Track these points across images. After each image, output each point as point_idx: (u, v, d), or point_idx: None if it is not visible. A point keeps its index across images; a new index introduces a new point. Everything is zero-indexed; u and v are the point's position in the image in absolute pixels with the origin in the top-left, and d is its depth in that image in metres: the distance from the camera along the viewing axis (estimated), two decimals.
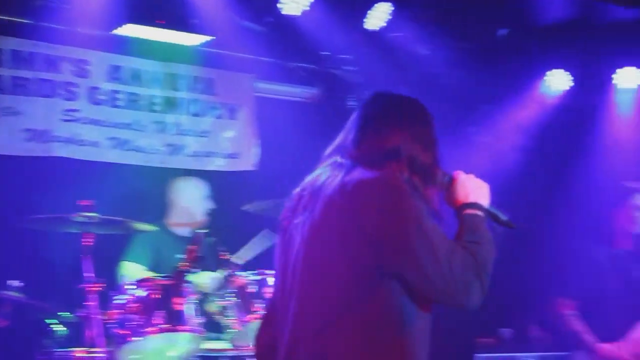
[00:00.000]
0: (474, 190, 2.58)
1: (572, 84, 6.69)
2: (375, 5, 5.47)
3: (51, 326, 4.52)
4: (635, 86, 6.60)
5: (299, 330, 2.42)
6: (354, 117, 2.62)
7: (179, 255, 5.11)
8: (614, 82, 6.60)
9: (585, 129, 6.63)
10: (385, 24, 5.61)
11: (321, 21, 5.43)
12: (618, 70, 6.54)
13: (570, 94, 6.72)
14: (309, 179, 2.64)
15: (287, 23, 5.46)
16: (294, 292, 2.45)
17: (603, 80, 6.64)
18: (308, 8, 5.28)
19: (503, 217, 2.64)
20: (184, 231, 5.40)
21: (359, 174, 2.41)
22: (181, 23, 5.60)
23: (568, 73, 6.66)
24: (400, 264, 2.34)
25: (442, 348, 6.29)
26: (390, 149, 2.51)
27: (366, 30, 5.69)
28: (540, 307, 6.25)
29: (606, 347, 5.07)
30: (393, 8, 5.47)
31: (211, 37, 5.79)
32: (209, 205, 5.49)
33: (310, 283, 2.42)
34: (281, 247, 2.58)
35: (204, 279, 4.83)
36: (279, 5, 5.32)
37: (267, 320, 2.69)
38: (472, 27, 6.05)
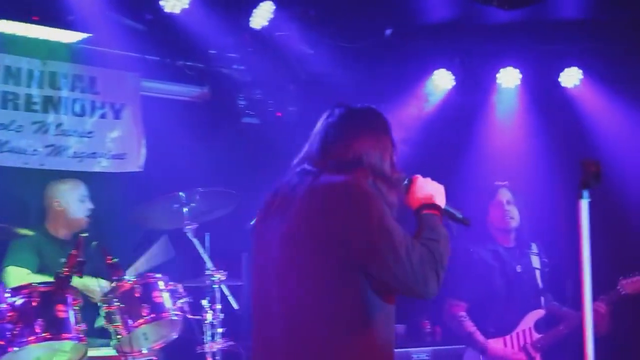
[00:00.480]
0: (431, 192, 2.86)
1: (454, 83, 6.75)
2: (260, 4, 5.39)
3: None
4: (514, 86, 6.71)
5: (284, 328, 2.65)
6: (317, 128, 2.87)
7: (62, 260, 4.97)
8: (497, 81, 6.69)
9: (467, 128, 6.74)
10: (268, 23, 5.52)
11: (205, 19, 5.32)
12: (501, 70, 6.64)
13: (453, 93, 6.80)
14: (279, 184, 2.87)
15: (169, 21, 5.29)
16: (273, 292, 2.69)
17: (484, 80, 6.74)
18: (187, 6, 5.14)
19: (459, 215, 2.94)
20: (66, 235, 5.22)
21: (326, 179, 2.67)
22: (57, 19, 5.38)
23: (450, 72, 6.73)
24: (365, 260, 2.58)
25: None
26: (354, 156, 2.75)
27: (252, 29, 5.59)
28: (431, 304, 6.35)
29: (494, 345, 5.18)
30: (274, 7, 5.39)
31: (88, 35, 5.58)
32: (88, 207, 5.32)
33: (287, 282, 2.66)
34: (256, 249, 2.83)
35: (91, 285, 4.68)
36: (160, 3, 5.14)
37: (255, 321, 2.81)
38: (357, 26, 6.05)
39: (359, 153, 2.76)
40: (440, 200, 2.87)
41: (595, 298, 4.97)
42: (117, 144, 6.12)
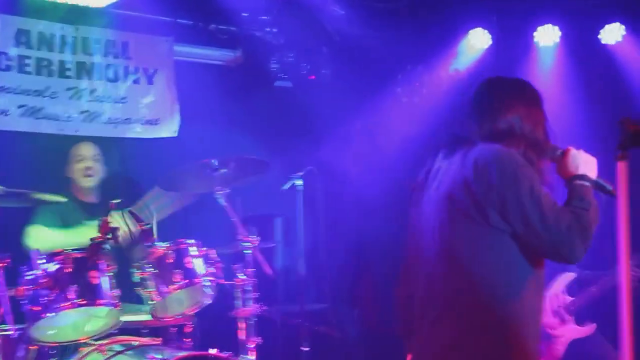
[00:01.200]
0: (583, 163, 2.98)
1: (490, 42, 6.63)
2: None
3: None
4: (553, 44, 6.56)
5: (434, 286, 2.97)
6: (468, 102, 3.05)
7: (87, 222, 5.00)
8: (535, 40, 6.55)
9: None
10: None
11: None
12: (539, 28, 6.50)
13: (489, 53, 6.66)
14: (437, 158, 3.08)
15: None
16: (427, 252, 2.99)
17: (521, 39, 6.61)
18: None
19: (608, 187, 2.98)
20: (91, 198, 5.23)
21: (480, 147, 2.90)
22: None
23: (487, 31, 6.60)
24: (516, 222, 2.80)
25: (373, 313, 6.32)
26: (506, 126, 2.94)
27: None
28: None
29: None
30: None
31: None
32: (103, 170, 5.28)
33: (441, 243, 2.94)
34: (415, 217, 3.12)
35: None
36: None
37: (404, 275, 3.23)
38: None
39: (511, 123, 2.95)
40: (591, 172, 2.98)
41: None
42: (150, 109, 6.11)
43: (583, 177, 2.98)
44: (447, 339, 2.92)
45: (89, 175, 5.19)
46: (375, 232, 6.46)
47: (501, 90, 3.08)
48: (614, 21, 6.46)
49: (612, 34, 6.49)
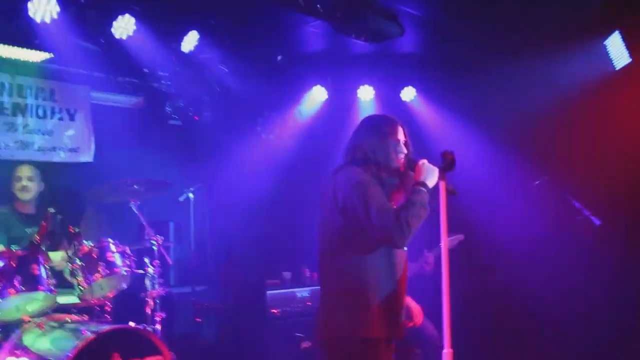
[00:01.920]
0: (425, 172, 3.03)
1: (326, 96, 6.83)
2: (188, 32, 5.28)
3: None
4: (369, 99, 6.86)
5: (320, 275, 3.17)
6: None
7: (28, 230, 4.78)
8: (358, 95, 6.81)
9: (342, 128, 6.78)
10: (193, 48, 5.40)
11: (144, 44, 5.14)
12: (360, 87, 6.78)
13: (326, 104, 6.87)
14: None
15: (117, 44, 5.09)
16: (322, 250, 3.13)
17: (348, 94, 6.85)
18: (132, 34, 4.98)
19: (449, 188, 3.04)
20: (29, 210, 4.96)
21: (344, 171, 3.08)
22: (26, 41, 5.10)
23: (324, 88, 6.79)
24: (351, 221, 2.95)
25: (241, 291, 6.36)
26: (362, 156, 3.07)
27: (180, 52, 5.46)
28: (308, 255, 6.47)
29: None
30: (199, 36, 5.30)
31: (50, 55, 5.32)
32: (41, 187, 4.99)
33: (321, 241, 3.12)
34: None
35: (57, 257, 4.53)
36: (112, 30, 4.96)
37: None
38: (259, 52, 6.03)
39: (365, 153, 3.07)
40: (431, 178, 3.02)
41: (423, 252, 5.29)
42: (72, 140, 5.89)
43: (421, 183, 3.02)
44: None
45: (25, 191, 4.93)
46: (243, 232, 6.53)
47: (360, 129, 3.20)
48: (409, 84, 6.80)
49: (408, 94, 6.80)
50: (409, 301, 3.36)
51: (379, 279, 3.02)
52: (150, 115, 6.42)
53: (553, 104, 5.51)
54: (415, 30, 5.67)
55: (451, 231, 5.49)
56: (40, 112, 5.69)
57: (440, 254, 5.23)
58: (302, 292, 6.26)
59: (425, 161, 3.08)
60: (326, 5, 4.84)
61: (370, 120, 3.24)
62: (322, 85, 6.76)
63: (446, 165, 3.01)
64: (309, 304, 6.25)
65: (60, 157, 5.79)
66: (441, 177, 3.05)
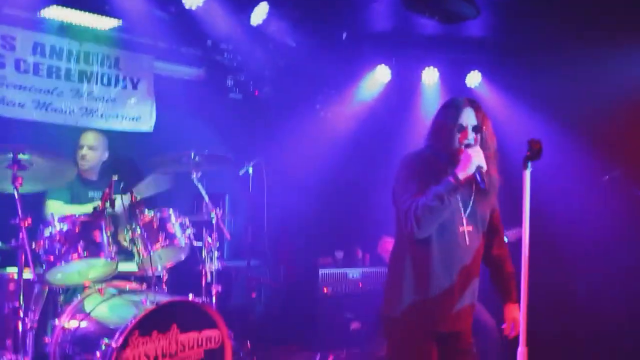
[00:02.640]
0: (462, 161, 2.90)
1: (390, 77, 6.67)
2: (260, 3, 5.16)
3: None
4: (434, 82, 6.67)
5: None
6: None
7: (90, 194, 4.82)
8: (422, 79, 6.63)
9: (403, 113, 6.65)
10: (261, 22, 5.29)
11: (213, 14, 5.06)
12: (425, 68, 6.60)
13: (390, 84, 6.71)
14: None
15: (187, 13, 5.01)
16: None
17: (413, 76, 6.68)
18: (201, 4, 4.89)
19: (479, 179, 2.91)
20: (92, 176, 4.99)
21: None
22: (95, 7, 5.09)
23: (388, 68, 6.64)
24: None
25: (294, 268, 6.32)
26: (427, 137, 3.06)
27: (249, 24, 5.35)
28: (363, 237, 6.39)
29: None
30: (269, 8, 5.19)
31: (118, 22, 5.30)
32: (104, 155, 5.03)
33: None
34: None
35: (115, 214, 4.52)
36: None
37: None
38: (325, 28, 5.91)
39: (428, 131, 3.06)
40: (465, 168, 2.88)
41: None
42: (134, 109, 5.88)
43: (451, 172, 2.91)
44: None
45: (84, 160, 4.94)
46: (299, 209, 6.48)
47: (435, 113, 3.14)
48: (476, 69, 6.59)
49: (473, 79, 6.61)
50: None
51: (415, 265, 3.02)
52: (211, 88, 6.37)
53: (628, 98, 5.25)
54: (486, 13, 5.47)
55: (514, 224, 5.40)
56: (105, 80, 5.69)
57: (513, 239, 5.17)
58: (353, 272, 6.21)
59: (468, 149, 2.93)
60: None
61: (440, 106, 3.14)
62: (386, 65, 6.61)
63: (533, 154, 2.83)
64: (360, 285, 6.19)
65: (122, 125, 5.80)
66: (525, 166, 2.87)
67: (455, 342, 3.06)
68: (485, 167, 2.92)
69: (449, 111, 3.01)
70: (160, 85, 6.05)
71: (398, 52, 6.53)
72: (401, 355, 3.06)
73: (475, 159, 2.89)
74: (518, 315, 3.05)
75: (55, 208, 4.59)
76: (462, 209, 3.03)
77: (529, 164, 2.85)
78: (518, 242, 5.25)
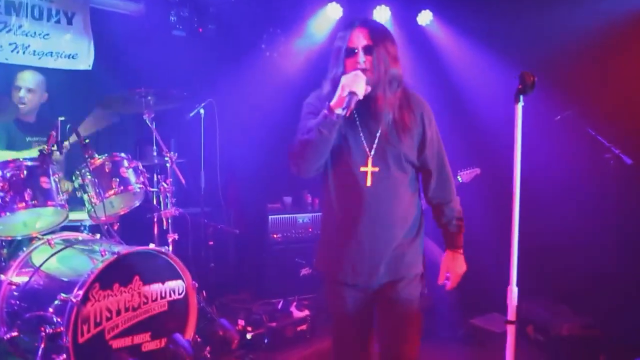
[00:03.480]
0: (338, 90, 2.57)
1: (341, 14, 6.42)
2: None
3: None
4: (386, 21, 6.45)
5: None
6: None
7: (28, 139, 4.43)
8: (373, 15, 6.40)
9: None
10: None
11: None
12: (377, 7, 6.37)
13: (341, 23, 6.44)
14: None
15: None
16: None
17: (365, 13, 6.43)
18: None
19: (345, 105, 2.55)
20: (29, 118, 4.58)
21: None
22: None
23: (338, 4, 6.38)
24: None
25: (244, 214, 6.10)
26: None
27: None
28: (312, 181, 6.22)
29: None
30: None
31: None
32: (43, 97, 4.65)
33: None
34: None
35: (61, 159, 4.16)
36: None
37: None
38: None
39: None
40: (336, 97, 2.56)
41: None
42: (70, 45, 5.39)
43: (327, 104, 2.59)
44: None
45: (22, 103, 4.53)
46: (249, 153, 6.24)
47: None
48: (426, 8, 6.44)
49: (424, 17, 6.46)
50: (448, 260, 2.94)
51: (324, 213, 2.83)
52: (152, 23, 5.92)
53: (584, 35, 5.22)
54: None
55: (467, 165, 5.38)
56: (37, 13, 5.17)
57: (457, 188, 5.12)
58: (303, 217, 6.08)
59: (346, 75, 2.56)
60: None
61: None
62: (336, 2, 6.35)
63: (525, 87, 2.69)
64: (310, 230, 6.08)
65: (58, 63, 5.31)
66: (517, 99, 2.73)
67: (388, 292, 2.75)
68: (359, 94, 2.55)
69: (339, 35, 2.67)
70: (98, 21, 5.57)
71: None
72: (328, 306, 2.86)
73: (347, 84, 2.52)
74: (456, 265, 2.89)
75: None
76: (366, 148, 2.69)
77: (521, 98, 2.73)
78: (473, 182, 5.27)
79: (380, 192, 2.68)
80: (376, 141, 2.69)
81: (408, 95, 2.76)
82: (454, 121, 5.85)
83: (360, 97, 2.56)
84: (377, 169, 2.68)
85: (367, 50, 2.61)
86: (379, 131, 2.69)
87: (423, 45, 6.42)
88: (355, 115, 2.70)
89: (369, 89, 2.61)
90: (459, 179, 5.23)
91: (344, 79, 2.53)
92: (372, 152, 2.68)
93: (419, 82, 6.01)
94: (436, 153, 2.83)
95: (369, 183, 2.66)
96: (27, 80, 4.53)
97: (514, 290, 2.73)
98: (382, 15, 6.38)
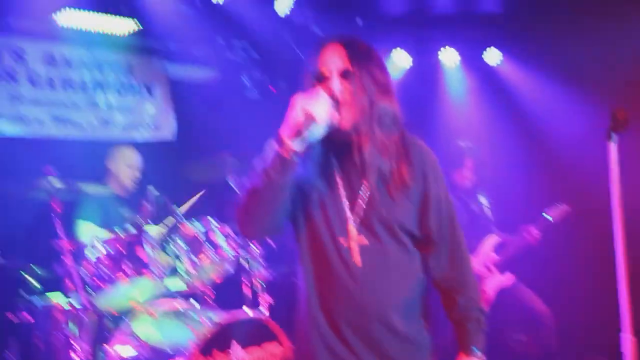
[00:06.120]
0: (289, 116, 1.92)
1: (408, 60, 6.42)
2: None
3: (27, 279, 3.86)
4: (454, 63, 6.44)
5: None
6: None
7: (122, 211, 4.57)
8: (440, 58, 6.40)
9: (426, 96, 6.42)
10: (289, 11, 5.02)
11: (238, 5, 4.79)
12: (442, 49, 6.37)
13: (410, 68, 6.46)
14: None
15: (210, 7, 4.75)
16: None
17: (433, 58, 6.44)
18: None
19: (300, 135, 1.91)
20: (124, 192, 4.75)
21: None
22: (112, 8, 4.86)
23: (405, 51, 6.39)
24: None
25: None
26: None
27: (271, 16, 5.09)
28: None
29: None
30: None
31: (134, 25, 5.06)
32: (135, 170, 4.74)
33: None
34: None
35: (156, 230, 4.27)
36: None
37: None
38: (336, 17, 5.67)
39: None
40: (286, 124, 1.92)
41: (527, 225, 4.95)
42: (153, 117, 5.64)
43: (276, 135, 1.92)
44: None
45: (135, 182, 4.68)
46: None
47: None
48: (494, 46, 6.33)
49: (492, 56, 6.35)
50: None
51: (303, 298, 2.08)
52: (226, 88, 6.11)
53: None
54: None
55: (555, 202, 5.21)
56: (121, 89, 5.44)
57: (547, 225, 4.99)
58: None
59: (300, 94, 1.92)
60: None
61: None
62: (402, 49, 6.35)
63: (617, 124, 2.55)
64: None
65: (143, 135, 5.55)
66: (608, 137, 2.60)
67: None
68: (320, 119, 1.87)
69: (310, 57, 2.08)
70: (177, 91, 5.80)
71: (414, 34, 6.27)
72: None
73: (302, 104, 1.88)
74: None
75: (87, 231, 4.32)
76: (347, 211, 2.02)
77: (613, 135, 2.60)
78: (562, 222, 5.10)
79: (374, 275, 1.99)
80: (360, 202, 2.02)
81: (407, 142, 2.09)
82: (534, 160, 5.74)
83: (322, 123, 1.89)
84: (365, 242, 2.00)
85: (345, 74, 2.01)
86: (364, 188, 2.02)
87: (494, 85, 6.34)
88: (334, 164, 2.06)
89: (337, 116, 1.96)
90: (548, 217, 5.07)
91: (297, 98, 1.90)
92: (357, 219, 2.01)
93: (492, 122, 6.02)
94: (445, 219, 2.09)
95: (357, 262, 1.98)
96: (130, 157, 4.69)
97: (629, 340, 2.58)
98: (449, 57, 6.37)
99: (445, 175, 5.09)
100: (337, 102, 1.95)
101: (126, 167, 4.70)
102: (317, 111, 1.86)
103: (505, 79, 6.30)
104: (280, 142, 1.87)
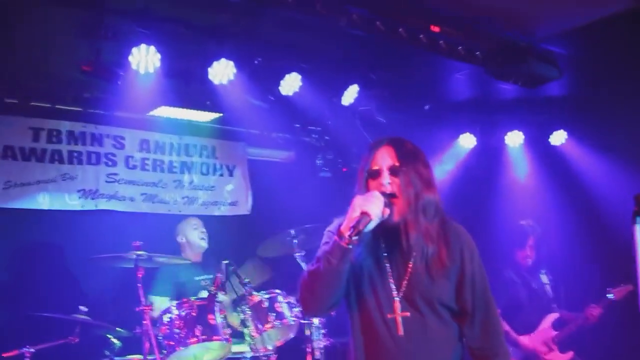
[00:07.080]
0: (348, 213, 2.24)
1: (475, 143, 6.68)
2: (350, 86, 5.35)
3: (111, 340, 4.30)
4: (518, 145, 6.62)
5: None
6: None
7: (196, 278, 4.97)
8: (506, 141, 6.61)
9: (490, 177, 6.63)
10: (353, 101, 5.44)
11: (307, 99, 5.26)
12: (508, 133, 6.58)
13: (475, 150, 6.71)
14: None
15: (282, 100, 5.23)
16: None
17: (498, 140, 6.66)
18: (298, 90, 5.11)
19: (353, 229, 2.21)
20: (196, 260, 5.19)
21: None
22: (197, 103, 5.43)
23: (472, 135, 6.66)
24: None
25: None
26: None
27: (339, 105, 5.52)
28: None
29: (523, 340, 5.03)
30: (359, 89, 5.37)
31: (218, 115, 5.66)
32: (203, 240, 5.20)
33: None
34: None
35: (227, 298, 4.68)
36: (279, 88, 5.10)
37: None
38: (409, 102, 6.05)
39: None
40: (347, 220, 2.22)
41: (588, 303, 4.97)
42: (231, 194, 6.16)
43: (334, 228, 2.28)
44: None
45: (205, 240, 5.19)
46: None
47: None
48: (559, 128, 6.48)
49: (558, 137, 6.48)
50: None
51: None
52: (301, 168, 6.57)
53: None
54: (566, 72, 5.46)
55: (619, 282, 5.19)
56: (204, 169, 6.01)
57: (608, 305, 4.98)
58: None
59: (359, 195, 2.25)
60: (485, 51, 4.78)
61: None
62: (470, 133, 6.62)
63: None
64: None
65: (221, 211, 6.06)
66: (634, 221, 2.75)
67: None
68: (374, 215, 2.17)
69: (364, 156, 2.40)
70: (254, 170, 6.31)
71: (481, 118, 6.55)
72: None
73: (359, 204, 2.18)
74: None
75: (161, 305, 4.66)
76: (393, 290, 2.31)
77: (638, 219, 2.75)
78: (624, 300, 5.06)
79: (415, 344, 2.28)
80: (405, 281, 2.31)
81: (446, 226, 2.36)
82: (596, 239, 5.74)
83: (375, 219, 2.18)
84: (407, 314, 2.29)
85: (393, 171, 2.31)
86: (409, 269, 2.31)
87: (557, 165, 6.43)
88: (383, 249, 2.35)
89: (388, 211, 2.24)
90: (610, 296, 5.07)
91: (356, 199, 2.21)
92: (401, 294, 2.30)
93: (553, 199, 6.09)
94: (480, 293, 2.37)
95: (400, 332, 2.28)
96: (196, 221, 5.22)
97: None
98: (515, 140, 6.55)
99: (509, 254, 5.28)
100: (389, 201, 2.26)
101: (193, 229, 5.20)
102: (372, 210, 2.17)
103: (568, 158, 6.40)
104: (340, 235, 2.18)
